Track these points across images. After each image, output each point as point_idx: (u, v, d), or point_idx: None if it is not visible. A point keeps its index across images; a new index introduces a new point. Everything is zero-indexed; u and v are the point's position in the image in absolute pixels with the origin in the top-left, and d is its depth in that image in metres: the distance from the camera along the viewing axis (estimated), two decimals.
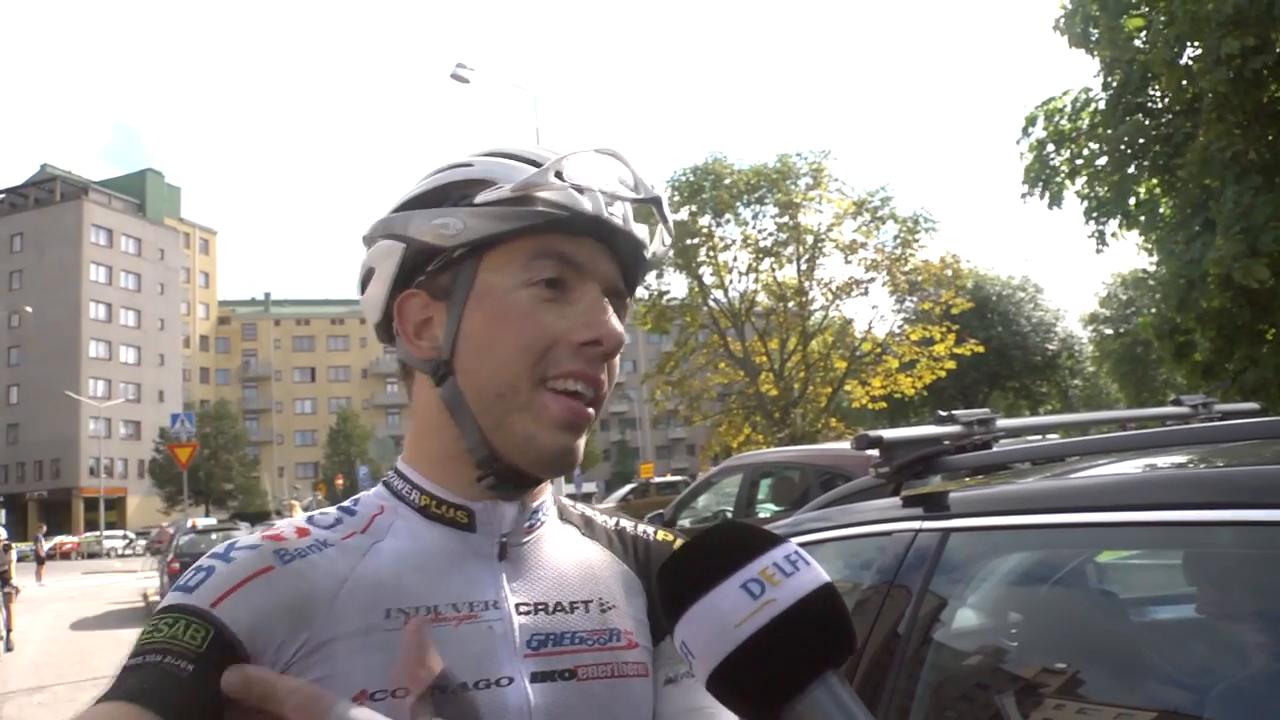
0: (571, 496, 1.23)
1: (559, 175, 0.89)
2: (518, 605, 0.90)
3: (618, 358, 0.94)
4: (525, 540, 0.95)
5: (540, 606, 0.92)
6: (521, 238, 0.89)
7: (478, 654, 0.86)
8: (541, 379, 0.88)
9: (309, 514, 0.95)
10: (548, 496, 1.01)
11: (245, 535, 0.90)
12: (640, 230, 0.93)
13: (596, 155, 0.93)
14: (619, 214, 0.91)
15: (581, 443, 0.91)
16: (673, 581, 0.74)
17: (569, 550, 0.99)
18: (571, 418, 0.89)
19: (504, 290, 0.89)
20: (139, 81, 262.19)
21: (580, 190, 0.89)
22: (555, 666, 0.88)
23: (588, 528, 1.05)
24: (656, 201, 0.93)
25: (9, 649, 13.58)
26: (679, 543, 1.08)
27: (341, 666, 0.82)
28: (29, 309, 61.03)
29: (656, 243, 0.97)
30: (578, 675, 0.89)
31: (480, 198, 0.90)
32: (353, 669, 0.82)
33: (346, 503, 0.98)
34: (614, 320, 0.90)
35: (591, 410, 0.91)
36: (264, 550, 0.86)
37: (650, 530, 1.10)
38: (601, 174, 0.92)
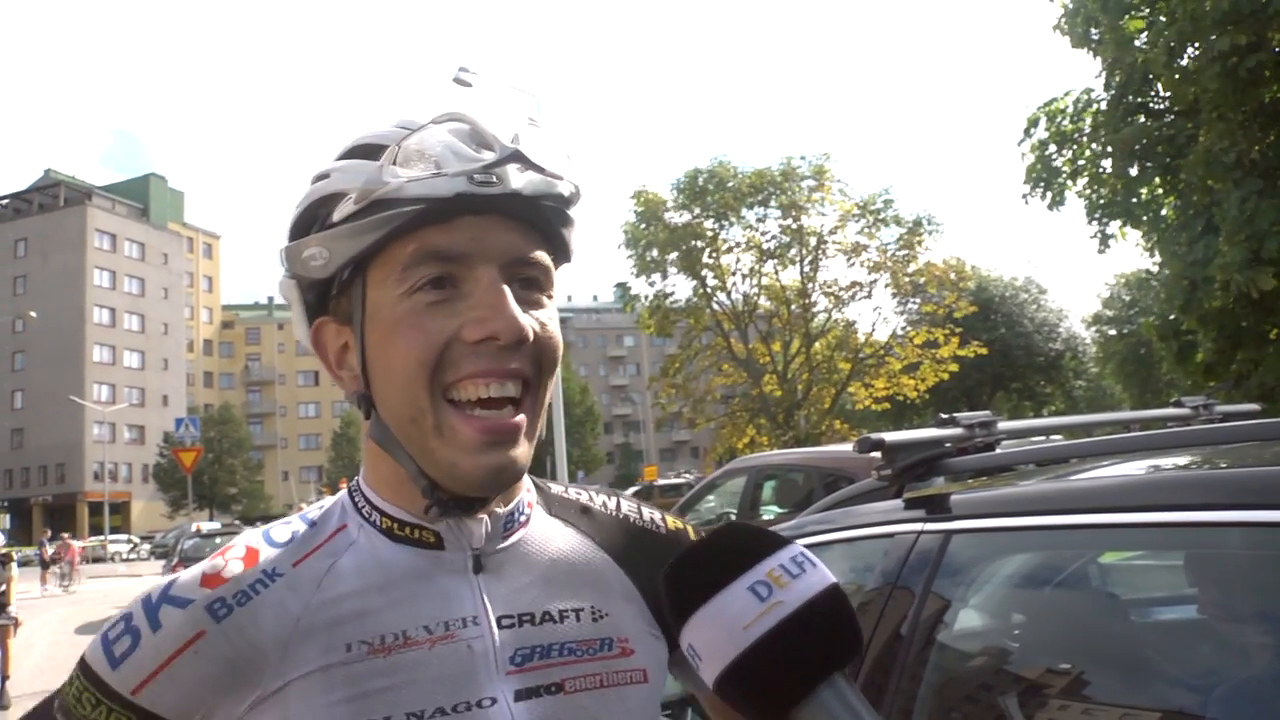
0: None
1: (404, 161, 0.80)
2: (500, 619, 0.84)
3: (555, 330, 0.85)
4: (503, 546, 0.89)
5: (525, 618, 0.85)
6: (392, 244, 0.80)
7: (456, 675, 0.80)
8: (443, 391, 0.80)
9: (267, 527, 0.90)
10: (526, 493, 0.94)
11: (185, 573, 0.84)
12: (532, 182, 0.82)
13: (442, 125, 0.83)
14: (498, 178, 0.80)
15: (520, 453, 0.82)
16: (679, 583, 0.74)
17: (558, 551, 0.92)
18: (490, 436, 0.80)
19: (389, 305, 0.81)
20: (139, 87, 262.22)
21: (437, 171, 0.79)
22: (541, 681, 0.83)
23: (586, 519, 0.98)
24: (517, 157, 0.81)
25: (5, 706, 10.09)
26: (690, 530, 1.03)
27: (296, 710, 0.78)
28: (33, 314, 60.83)
29: (563, 185, 0.85)
30: (565, 688, 0.84)
31: (335, 214, 0.82)
32: (310, 711, 0.77)
33: (313, 510, 0.91)
34: (510, 308, 0.79)
35: (519, 417, 0.82)
36: (195, 610, 0.80)
37: (660, 520, 1.03)
38: (456, 143, 0.81)
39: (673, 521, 1.04)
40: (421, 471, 0.82)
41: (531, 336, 0.81)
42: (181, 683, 0.78)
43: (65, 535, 31.99)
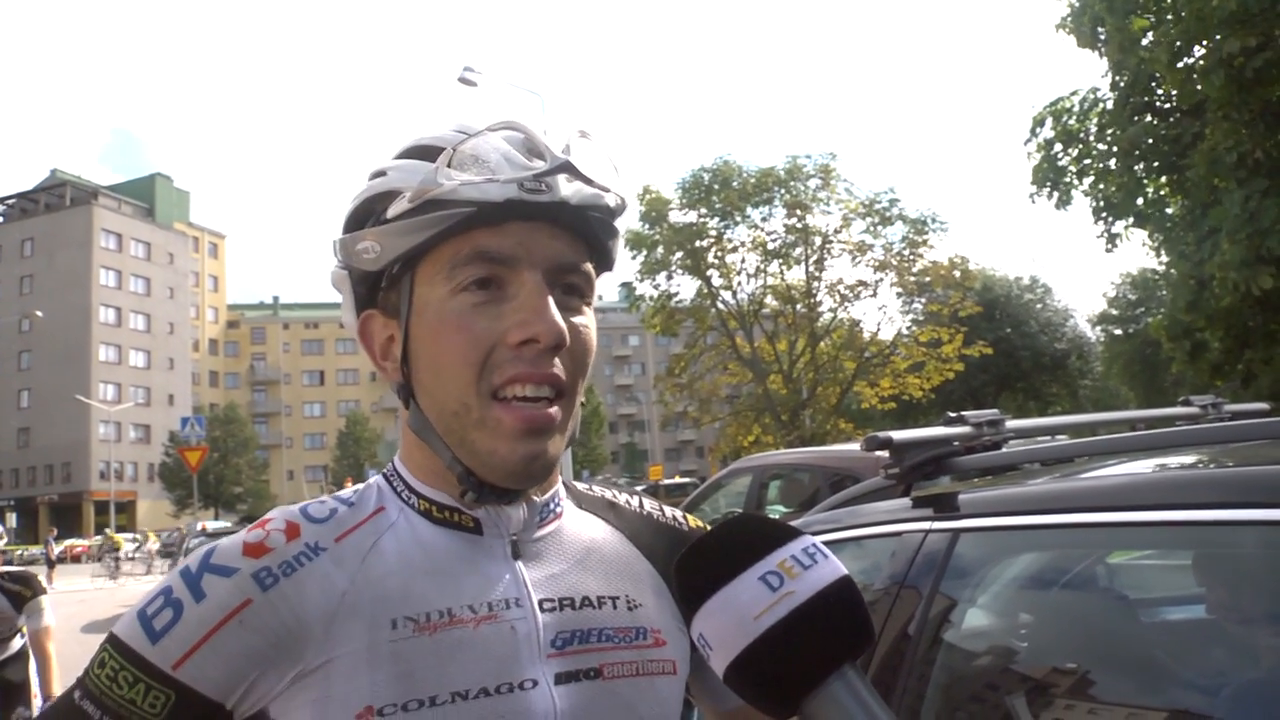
0: None
1: (459, 165, 0.83)
2: (541, 602, 0.86)
3: (591, 336, 0.88)
4: (540, 535, 0.91)
5: (566, 602, 0.87)
6: (442, 243, 0.83)
7: (499, 656, 0.81)
8: (491, 392, 0.82)
9: (301, 504, 0.90)
10: (560, 486, 0.96)
11: (224, 543, 0.83)
12: (580, 192, 0.85)
13: (498, 132, 0.86)
14: (548, 186, 0.83)
15: (553, 445, 0.85)
16: (691, 573, 0.75)
17: (593, 542, 0.94)
18: (527, 425, 0.82)
19: (437, 301, 0.84)
20: (137, 85, 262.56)
21: (490, 176, 0.82)
22: (580, 665, 0.84)
23: (613, 514, 1.00)
24: (567, 167, 0.84)
25: None
26: (708, 528, 1.04)
27: (339, 688, 0.77)
28: (39, 313, 60.93)
29: (610, 196, 0.88)
30: (603, 674, 0.85)
31: (390, 211, 0.85)
32: (354, 688, 0.77)
33: (346, 492, 0.92)
34: (551, 311, 0.82)
35: (554, 410, 0.84)
36: (242, 578, 0.80)
37: (681, 518, 1.05)
38: (510, 150, 0.84)
39: (693, 520, 1.06)
40: (456, 459, 0.84)
41: (568, 341, 0.84)
42: (224, 655, 0.77)
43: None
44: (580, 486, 1.03)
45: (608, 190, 0.87)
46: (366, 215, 0.88)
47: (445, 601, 0.82)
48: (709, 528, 1.04)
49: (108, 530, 43.58)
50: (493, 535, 0.88)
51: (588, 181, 0.85)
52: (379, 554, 0.84)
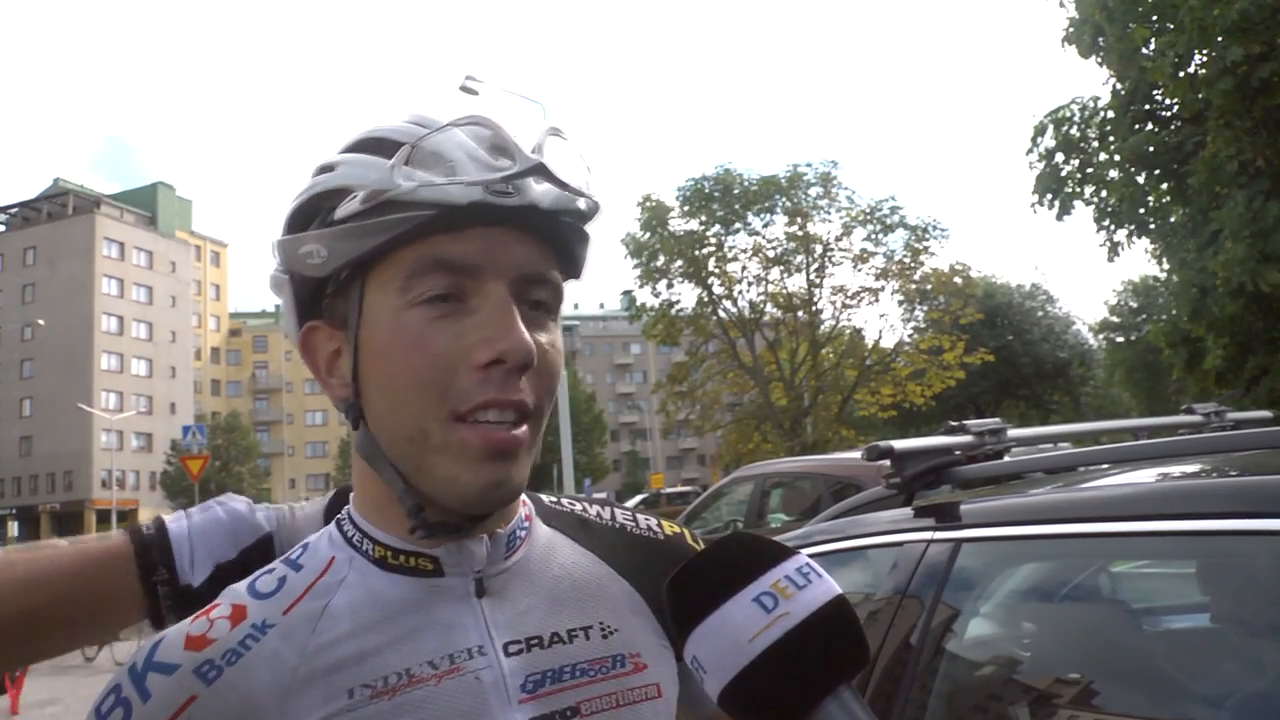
0: None
1: (418, 163, 0.75)
2: (506, 645, 0.79)
3: (559, 355, 0.81)
4: (506, 566, 0.84)
5: (534, 641, 0.81)
6: (398, 249, 0.75)
7: (466, 710, 0.76)
8: (454, 418, 0.75)
9: (250, 579, 0.84)
10: (523, 508, 0.89)
11: (169, 635, 0.79)
12: (553, 195, 0.78)
13: (463, 129, 0.78)
14: (516, 188, 0.76)
15: (518, 471, 0.78)
16: (683, 594, 0.73)
17: (561, 568, 0.88)
18: (493, 447, 0.75)
19: (391, 313, 0.76)
20: (132, 93, 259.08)
21: (453, 178, 0.75)
22: (556, 707, 0.79)
23: (584, 531, 0.93)
24: (540, 170, 0.76)
25: None
26: (687, 535, 1.00)
27: None
28: (42, 322, 60.98)
29: (583, 200, 0.81)
30: (581, 712, 0.80)
31: (339, 212, 0.77)
32: None
33: (294, 551, 0.85)
34: (518, 328, 0.74)
35: (521, 431, 0.77)
36: (183, 675, 0.75)
37: (657, 526, 0.99)
38: (475, 148, 0.77)
39: (670, 526, 1.00)
40: (409, 490, 0.78)
41: (535, 361, 0.76)
42: None
43: None
44: (547, 500, 0.96)
45: (580, 194, 0.80)
46: (312, 214, 0.81)
47: (403, 661, 0.77)
48: (686, 531, 1.00)
49: None
50: (455, 574, 0.81)
51: (560, 184, 0.78)
52: (330, 618, 0.78)
